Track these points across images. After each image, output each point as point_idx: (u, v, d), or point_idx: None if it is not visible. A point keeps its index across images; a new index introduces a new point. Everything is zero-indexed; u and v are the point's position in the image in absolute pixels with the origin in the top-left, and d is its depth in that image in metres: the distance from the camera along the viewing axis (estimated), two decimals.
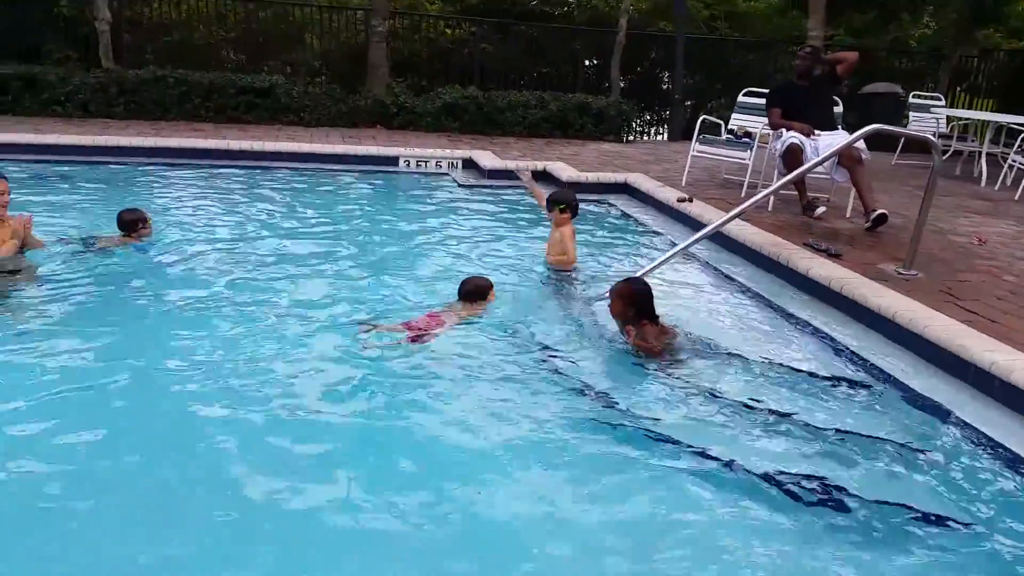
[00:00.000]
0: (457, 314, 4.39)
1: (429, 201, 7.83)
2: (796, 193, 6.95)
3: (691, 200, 7.10)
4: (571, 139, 11.29)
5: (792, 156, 6.74)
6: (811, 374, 4.05)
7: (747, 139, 7.65)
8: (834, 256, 5.50)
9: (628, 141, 12.09)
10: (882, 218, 6.27)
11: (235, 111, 10.43)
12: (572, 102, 11.43)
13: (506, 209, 7.48)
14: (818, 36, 12.20)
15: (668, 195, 7.32)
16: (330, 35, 12.95)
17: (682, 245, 5.14)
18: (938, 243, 6.19)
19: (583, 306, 4.78)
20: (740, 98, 8.41)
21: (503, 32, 13.70)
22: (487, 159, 8.83)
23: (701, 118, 8.02)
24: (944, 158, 9.85)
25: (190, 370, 3.70)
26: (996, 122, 9.63)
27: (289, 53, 13.30)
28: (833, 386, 3.95)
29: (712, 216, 6.48)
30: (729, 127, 8.28)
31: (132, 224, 5.45)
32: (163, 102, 10.15)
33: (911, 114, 10.45)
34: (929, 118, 10.17)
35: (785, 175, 6.87)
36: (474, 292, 4.54)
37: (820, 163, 5.79)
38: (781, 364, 4.13)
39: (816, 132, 6.83)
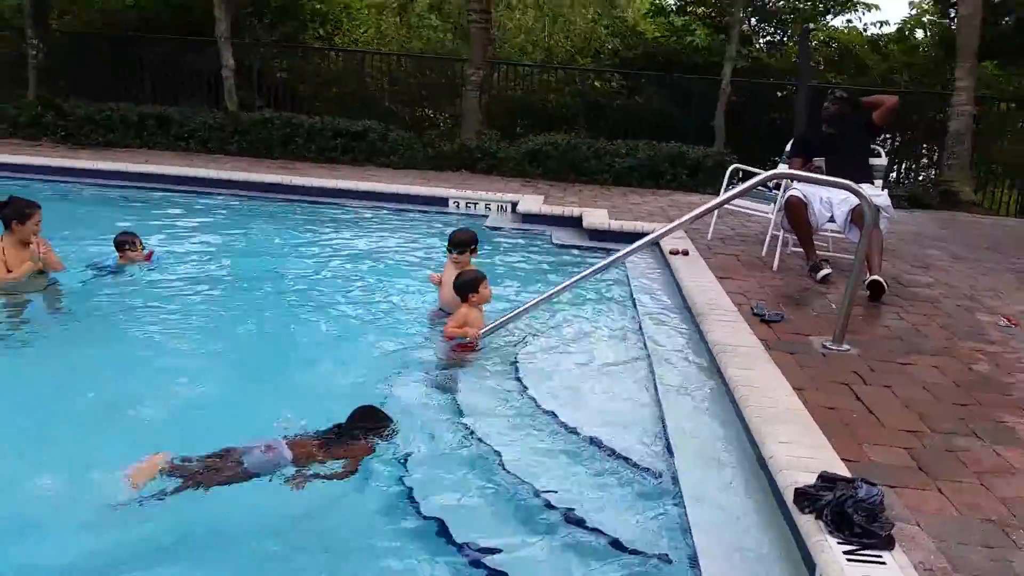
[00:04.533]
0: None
1: (432, 239, 7.80)
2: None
3: (686, 253, 6.41)
4: (660, 190, 10.69)
5: (794, 211, 5.87)
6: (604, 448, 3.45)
7: (776, 191, 6.76)
8: (768, 322, 4.68)
9: None
10: (876, 287, 5.24)
11: (333, 152, 11.12)
12: (664, 151, 10.85)
13: (511, 255, 7.27)
14: (968, 86, 10.67)
15: (672, 246, 6.67)
16: (489, 87, 13.30)
17: (567, 282, 4.62)
18: (952, 319, 5.04)
19: None
20: (788, 147, 7.48)
21: (659, 84, 13.42)
22: (528, 203, 8.62)
23: (731, 167, 7.23)
24: None
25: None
26: None
27: (450, 106, 13.95)
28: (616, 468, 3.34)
29: (686, 273, 5.84)
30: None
31: (120, 245, 5.88)
32: (269, 142, 11.08)
33: None
34: None
35: (789, 231, 6.07)
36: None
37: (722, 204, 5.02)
38: (582, 433, 3.57)
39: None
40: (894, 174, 12.85)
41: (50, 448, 3.25)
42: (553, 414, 3.75)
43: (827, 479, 2.59)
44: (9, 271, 5.13)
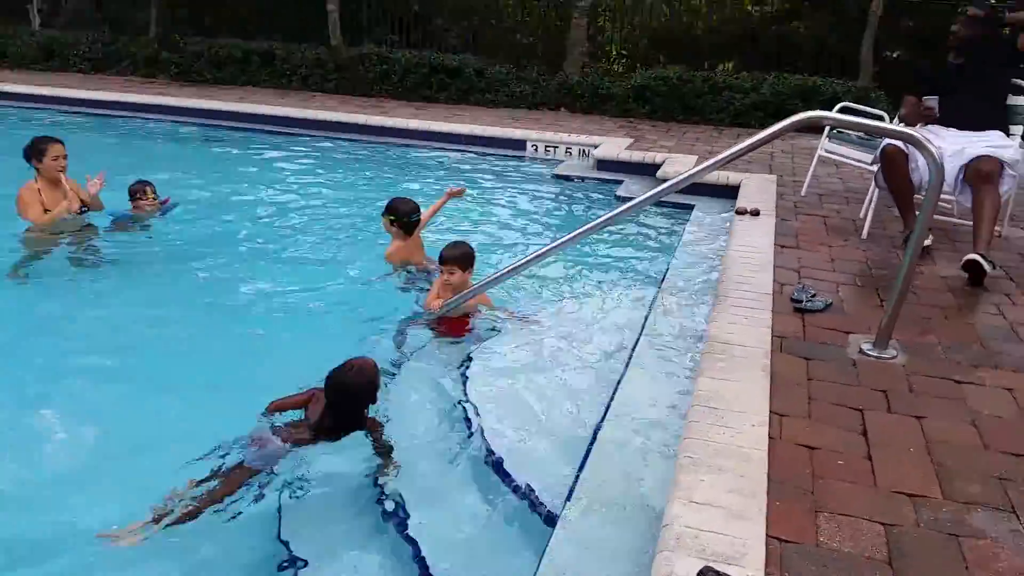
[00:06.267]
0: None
1: (490, 185, 7.11)
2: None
3: (756, 213, 5.34)
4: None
5: (890, 163, 4.66)
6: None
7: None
8: (804, 311, 3.66)
9: None
10: (974, 267, 4.01)
11: (428, 90, 10.57)
12: (793, 85, 9.37)
13: (554, 210, 6.47)
14: None
15: (742, 204, 5.60)
16: (628, 17, 12.21)
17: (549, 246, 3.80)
18: None
19: None
20: None
21: (823, 8, 11.63)
22: (606, 148, 7.69)
23: (838, 106, 5.92)
24: None
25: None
26: None
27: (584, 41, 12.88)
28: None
29: (740, 240, 4.83)
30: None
31: (132, 194, 5.66)
32: (367, 79, 10.70)
33: None
34: None
35: (885, 189, 4.86)
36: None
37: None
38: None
39: (930, 125, 4.68)
40: None
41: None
42: (468, 420, 3.07)
43: None
44: (47, 211, 5.02)
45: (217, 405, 3.10)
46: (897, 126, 5.03)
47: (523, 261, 3.78)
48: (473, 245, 4.90)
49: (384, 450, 2.85)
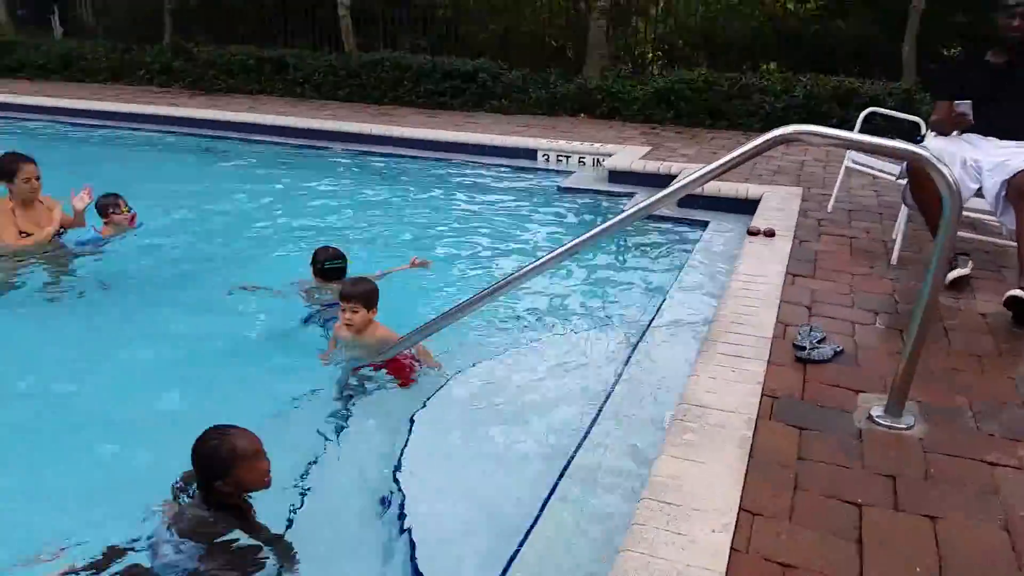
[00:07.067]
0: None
1: (488, 200, 6.62)
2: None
3: (770, 234, 4.73)
4: None
5: (919, 179, 4.00)
6: None
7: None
8: (808, 361, 3.07)
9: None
10: (1017, 305, 3.37)
11: (443, 96, 10.12)
12: (828, 87, 8.65)
13: (566, 226, 5.94)
14: None
15: (755, 223, 5.00)
16: (670, 18, 11.69)
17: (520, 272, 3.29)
18: None
19: None
20: None
21: (866, 3, 10.83)
22: (619, 158, 7.12)
23: (865, 111, 5.27)
24: None
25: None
26: None
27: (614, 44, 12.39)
28: None
29: (747, 266, 4.25)
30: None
31: (103, 209, 5.32)
32: (380, 85, 10.31)
33: None
34: None
35: (914, 208, 4.23)
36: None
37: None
38: None
39: (966, 134, 4.06)
40: None
41: None
42: (394, 503, 2.58)
43: None
44: (24, 233, 4.65)
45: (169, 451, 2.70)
46: (930, 134, 4.44)
47: (479, 296, 3.28)
48: (453, 271, 4.43)
49: (274, 547, 2.33)
